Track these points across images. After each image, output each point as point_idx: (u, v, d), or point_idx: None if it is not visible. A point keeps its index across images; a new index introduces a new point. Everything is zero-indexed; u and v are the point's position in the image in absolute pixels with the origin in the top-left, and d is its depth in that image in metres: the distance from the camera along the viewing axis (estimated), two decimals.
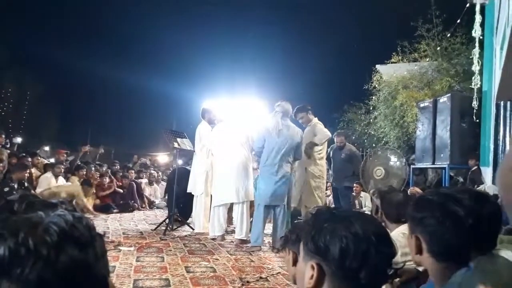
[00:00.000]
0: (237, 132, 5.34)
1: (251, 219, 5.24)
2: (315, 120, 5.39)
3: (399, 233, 2.17)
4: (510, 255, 1.15)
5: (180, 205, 7.11)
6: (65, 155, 9.46)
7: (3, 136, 7.19)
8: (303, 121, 5.37)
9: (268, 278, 3.50)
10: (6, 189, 5.37)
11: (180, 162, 8.28)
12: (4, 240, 0.53)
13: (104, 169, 9.28)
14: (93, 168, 8.69)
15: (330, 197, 8.41)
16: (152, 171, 10.71)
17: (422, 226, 1.21)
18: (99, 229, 0.63)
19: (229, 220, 6.17)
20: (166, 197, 9.23)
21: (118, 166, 10.30)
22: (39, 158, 8.01)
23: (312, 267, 0.94)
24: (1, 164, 5.85)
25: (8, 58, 21.31)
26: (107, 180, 8.61)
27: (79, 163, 8.63)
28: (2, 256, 0.52)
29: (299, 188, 5.17)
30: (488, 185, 5.84)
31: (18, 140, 10.85)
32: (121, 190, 8.76)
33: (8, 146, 7.47)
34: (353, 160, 6.72)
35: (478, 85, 6.51)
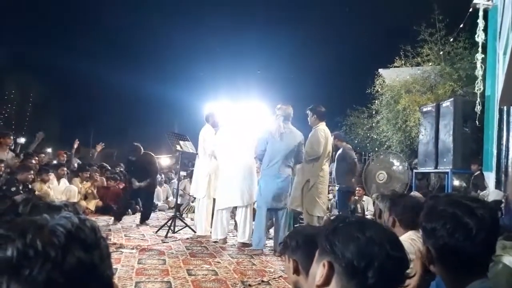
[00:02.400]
0: (241, 135, 5.34)
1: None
2: (321, 126, 5.17)
3: (408, 240, 2.12)
4: None
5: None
6: (65, 156, 9.46)
7: (12, 137, 7.18)
8: (309, 121, 5.32)
9: (269, 281, 3.50)
10: (13, 188, 5.40)
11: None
12: (12, 241, 0.53)
13: (104, 171, 9.28)
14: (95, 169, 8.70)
15: (333, 201, 8.37)
16: None
17: (433, 237, 1.18)
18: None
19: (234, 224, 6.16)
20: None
21: (122, 169, 10.29)
22: (37, 158, 8.02)
23: (324, 265, 0.95)
24: (1, 165, 5.86)
25: (11, 60, 21.42)
26: (112, 182, 8.63)
27: (85, 165, 8.64)
28: (10, 257, 0.52)
29: (300, 192, 5.10)
30: (491, 190, 5.82)
31: (22, 140, 10.84)
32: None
33: (12, 147, 7.47)
34: (346, 158, 6.68)
35: (481, 90, 6.51)
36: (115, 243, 4.74)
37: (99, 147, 9.98)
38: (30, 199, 0.63)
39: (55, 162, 9.02)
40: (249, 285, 3.36)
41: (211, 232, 5.50)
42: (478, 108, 6.37)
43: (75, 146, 9.23)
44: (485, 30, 6.58)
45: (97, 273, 0.58)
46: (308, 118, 5.27)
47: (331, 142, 5.35)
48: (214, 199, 5.72)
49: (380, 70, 11.96)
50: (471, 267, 1.13)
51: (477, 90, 6.44)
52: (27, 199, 0.63)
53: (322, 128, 5.15)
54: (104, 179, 8.83)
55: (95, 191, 8.18)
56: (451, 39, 9.99)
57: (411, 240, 2.16)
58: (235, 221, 6.05)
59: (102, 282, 0.60)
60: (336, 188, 6.82)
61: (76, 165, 8.92)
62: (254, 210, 5.37)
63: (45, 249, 0.53)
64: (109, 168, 9.96)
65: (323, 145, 5.03)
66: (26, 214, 0.59)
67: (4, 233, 0.54)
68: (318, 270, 0.98)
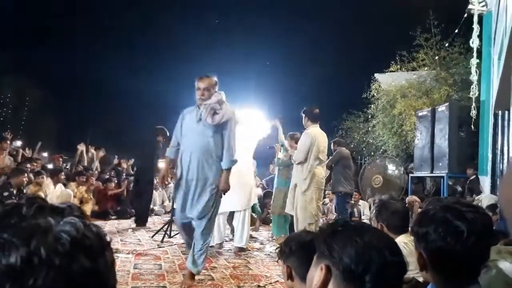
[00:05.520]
0: (240, 139, 5.31)
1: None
2: (310, 129, 5.10)
3: (401, 243, 2.14)
4: (507, 266, 1.16)
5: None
6: (61, 159, 9.43)
7: (8, 142, 7.13)
8: (303, 124, 5.29)
9: (266, 286, 3.50)
10: (6, 193, 5.35)
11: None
12: (16, 248, 0.51)
13: (105, 175, 9.26)
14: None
15: (329, 205, 8.37)
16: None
17: (425, 242, 1.19)
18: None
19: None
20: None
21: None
22: (35, 163, 8.00)
23: (321, 269, 0.96)
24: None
25: (7, 62, 21.36)
26: (112, 185, 8.60)
27: (81, 169, 8.62)
28: (14, 265, 0.50)
29: (292, 196, 5.08)
30: (485, 194, 5.85)
31: (18, 143, 10.74)
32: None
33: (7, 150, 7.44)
34: (339, 163, 6.65)
35: (476, 95, 6.56)
36: None
37: (101, 153, 10.01)
38: (34, 199, 0.60)
39: (50, 166, 8.97)
40: None
41: None
42: (473, 113, 6.41)
43: (80, 149, 9.22)
44: (480, 35, 6.64)
45: (101, 281, 0.56)
46: (302, 121, 5.26)
47: (324, 144, 5.17)
48: None
49: (376, 75, 12.03)
50: (463, 272, 1.14)
51: (472, 94, 6.49)
52: (30, 200, 0.60)
53: (310, 132, 5.06)
54: (101, 183, 8.80)
55: (91, 195, 8.14)
56: (447, 44, 10.07)
57: (404, 244, 2.18)
58: (231, 225, 6.04)
59: None
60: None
61: (81, 167, 8.92)
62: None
63: (50, 256, 0.51)
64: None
65: (307, 149, 4.97)
66: (30, 216, 0.57)
67: (8, 238, 0.52)
68: (316, 273, 0.98)
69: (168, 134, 7.04)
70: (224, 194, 3.54)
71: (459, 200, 1.25)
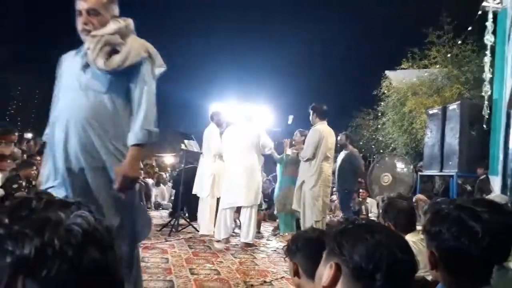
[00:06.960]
0: (248, 135, 5.30)
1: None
2: (318, 125, 5.10)
3: (409, 242, 2.12)
4: None
5: (185, 207, 7.10)
6: None
7: (16, 134, 7.18)
8: (310, 120, 5.27)
9: (272, 282, 3.49)
10: (15, 185, 5.40)
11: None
12: (30, 239, 0.51)
13: None
14: None
15: (336, 202, 8.34)
16: (161, 172, 10.73)
17: (438, 241, 1.17)
18: None
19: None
20: (172, 198, 9.27)
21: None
22: (39, 158, 8.05)
23: (331, 266, 0.95)
24: (8, 161, 5.87)
25: (16, 57, 21.57)
26: None
27: None
28: (27, 256, 0.50)
29: (299, 193, 5.07)
30: (495, 194, 5.77)
31: (29, 135, 10.81)
32: None
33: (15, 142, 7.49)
34: (352, 163, 6.58)
35: (489, 93, 6.47)
36: None
37: None
38: (43, 193, 0.61)
39: None
40: (252, 285, 3.34)
41: (214, 232, 5.49)
42: (485, 112, 6.33)
43: None
44: (494, 33, 6.53)
45: (110, 274, 0.56)
46: (310, 117, 5.24)
47: (332, 141, 5.15)
48: (218, 199, 5.72)
49: (387, 72, 11.94)
50: (476, 273, 1.12)
51: (485, 93, 6.40)
52: (40, 194, 0.60)
53: (318, 128, 5.05)
54: None
55: None
56: (459, 42, 9.94)
57: (412, 243, 2.16)
58: (238, 220, 6.05)
59: (116, 284, 0.58)
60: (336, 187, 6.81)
61: None
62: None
63: (63, 248, 0.51)
64: None
65: (315, 146, 4.95)
66: (40, 209, 0.57)
67: (20, 229, 0.52)
68: (325, 271, 0.97)
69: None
70: (126, 188, 1.90)
71: (475, 199, 1.22)
